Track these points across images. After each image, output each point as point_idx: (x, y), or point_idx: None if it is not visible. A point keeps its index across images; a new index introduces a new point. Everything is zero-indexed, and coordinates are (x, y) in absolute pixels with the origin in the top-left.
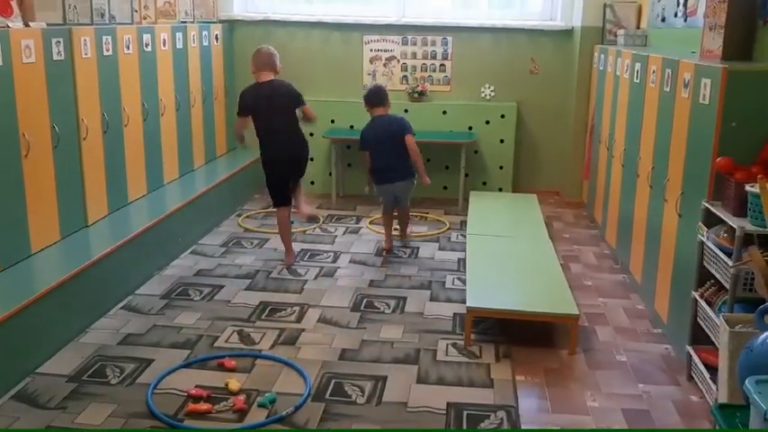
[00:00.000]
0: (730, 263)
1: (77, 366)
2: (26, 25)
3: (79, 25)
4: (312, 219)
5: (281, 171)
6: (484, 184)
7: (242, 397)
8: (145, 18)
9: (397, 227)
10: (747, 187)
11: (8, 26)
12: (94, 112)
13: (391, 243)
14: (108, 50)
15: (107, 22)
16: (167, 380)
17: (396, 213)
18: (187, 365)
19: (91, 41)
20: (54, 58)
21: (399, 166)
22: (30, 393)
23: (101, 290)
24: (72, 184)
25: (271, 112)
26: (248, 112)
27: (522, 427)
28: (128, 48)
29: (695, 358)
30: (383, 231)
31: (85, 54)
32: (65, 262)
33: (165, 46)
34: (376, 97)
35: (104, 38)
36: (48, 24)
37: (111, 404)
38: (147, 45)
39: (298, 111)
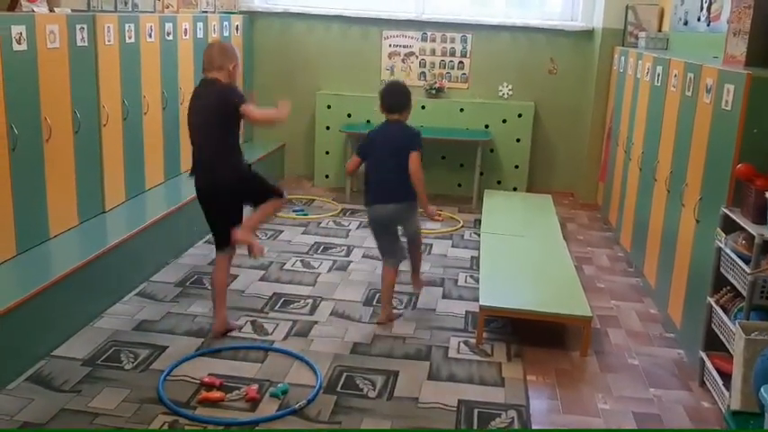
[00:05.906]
0: (748, 270)
1: (92, 351)
2: (51, 11)
3: (103, 12)
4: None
5: None
6: (498, 182)
7: (254, 386)
8: (167, 7)
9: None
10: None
11: (33, 11)
12: (115, 98)
13: (391, 311)
14: (130, 38)
15: (130, 9)
16: (181, 367)
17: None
18: (200, 355)
19: (114, 29)
20: (78, 44)
21: (397, 185)
22: (45, 376)
23: (116, 276)
24: (91, 169)
25: None
26: None
27: (533, 427)
28: (150, 36)
29: (708, 364)
30: None
31: (108, 41)
32: (82, 247)
33: (186, 35)
34: (395, 103)
35: (127, 25)
36: (72, 10)
37: (125, 389)
38: (168, 34)
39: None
